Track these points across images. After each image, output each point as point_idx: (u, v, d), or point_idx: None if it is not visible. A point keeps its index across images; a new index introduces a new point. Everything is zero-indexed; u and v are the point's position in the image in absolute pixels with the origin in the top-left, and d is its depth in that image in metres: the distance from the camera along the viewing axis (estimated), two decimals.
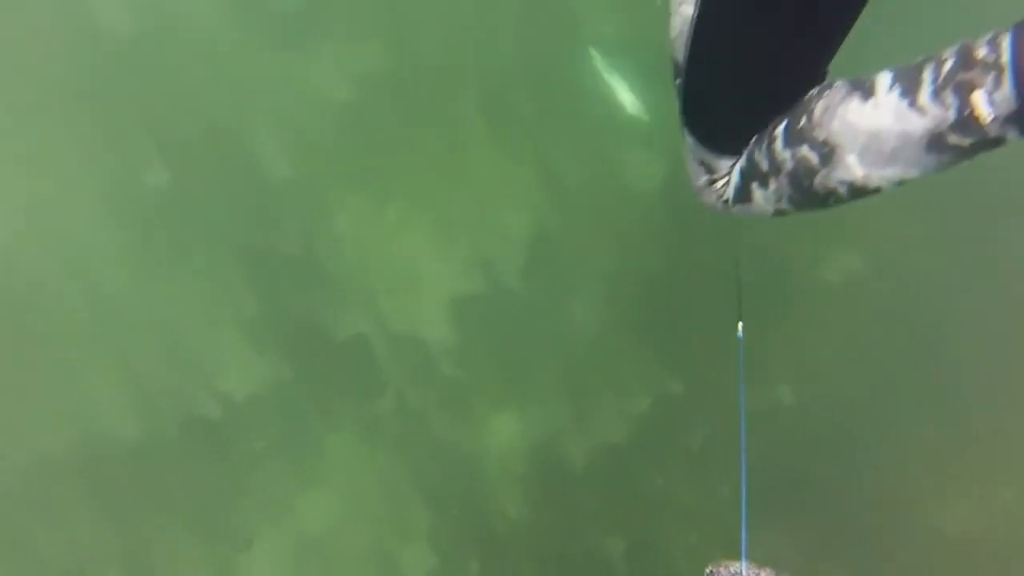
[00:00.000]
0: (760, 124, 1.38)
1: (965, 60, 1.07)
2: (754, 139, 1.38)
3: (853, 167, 1.20)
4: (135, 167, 4.31)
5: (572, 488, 4.15)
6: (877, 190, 1.21)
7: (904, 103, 1.13)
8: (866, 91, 1.20)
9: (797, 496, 3.97)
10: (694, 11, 1.40)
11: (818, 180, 1.25)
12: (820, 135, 1.22)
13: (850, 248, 4.04)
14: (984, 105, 1.04)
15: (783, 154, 1.29)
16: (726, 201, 1.50)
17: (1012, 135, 1.07)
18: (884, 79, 1.19)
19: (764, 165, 1.34)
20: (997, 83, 1.03)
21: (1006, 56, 1.02)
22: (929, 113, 1.10)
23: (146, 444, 4.14)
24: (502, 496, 4.17)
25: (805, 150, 1.25)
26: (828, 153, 1.22)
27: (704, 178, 1.55)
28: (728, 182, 1.49)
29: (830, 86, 1.29)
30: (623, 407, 4.10)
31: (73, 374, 4.18)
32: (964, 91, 1.06)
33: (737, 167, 1.45)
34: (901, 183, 1.20)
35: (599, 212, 4.32)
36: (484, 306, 4.21)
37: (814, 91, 1.30)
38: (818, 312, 4.06)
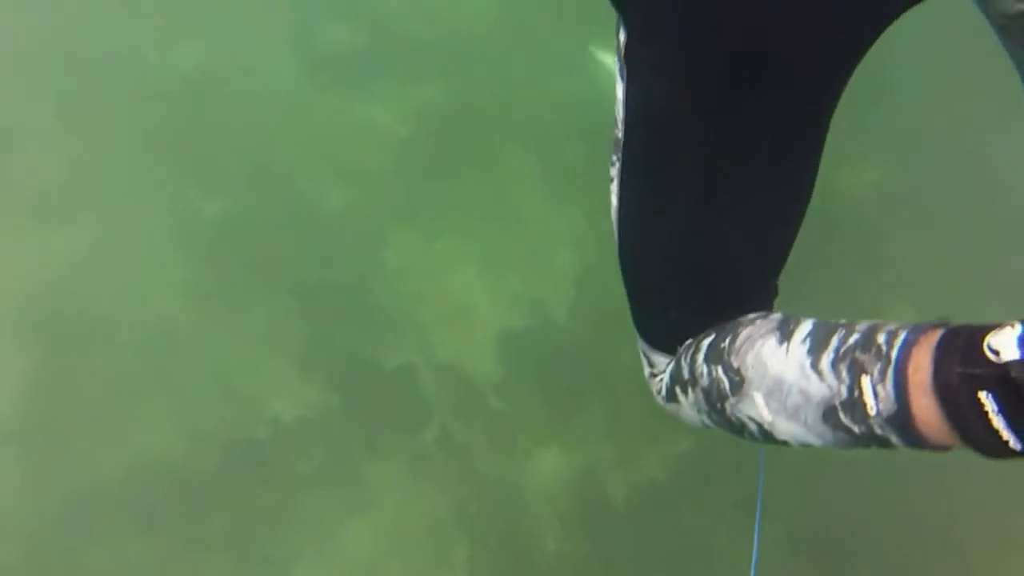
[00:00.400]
0: (687, 330, 1.30)
1: (867, 339, 0.95)
2: (686, 343, 1.29)
3: (760, 407, 1.07)
4: (193, 199, 4.44)
5: (613, 525, 4.16)
6: (786, 444, 1.09)
7: (808, 361, 1.01)
8: (785, 333, 1.09)
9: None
10: (614, 198, 1.33)
11: (728, 407, 1.14)
12: (735, 362, 1.12)
13: None
14: (869, 395, 0.92)
15: (702, 368, 1.19)
16: (663, 398, 1.41)
17: (895, 440, 0.92)
18: (804, 328, 1.09)
19: (685, 373, 1.25)
20: (882, 376, 0.90)
21: (895, 352, 0.90)
22: (825, 380, 0.98)
23: (191, 469, 4.18)
24: (542, 530, 4.18)
25: (720, 372, 1.14)
26: (739, 383, 1.11)
27: (647, 369, 1.50)
28: (663, 379, 1.40)
29: (766, 316, 1.19)
30: (667, 446, 4.14)
31: (124, 399, 4.24)
32: (856, 371, 0.94)
33: (668, 367, 1.38)
34: (807, 446, 1.07)
35: None
36: (531, 342, 4.28)
37: (752, 315, 1.21)
38: None
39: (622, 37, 1.24)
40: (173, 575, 4.16)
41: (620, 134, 1.28)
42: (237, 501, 4.21)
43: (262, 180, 4.46)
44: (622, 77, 1.25)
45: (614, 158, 1.32)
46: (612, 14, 1.35)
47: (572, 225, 4.47)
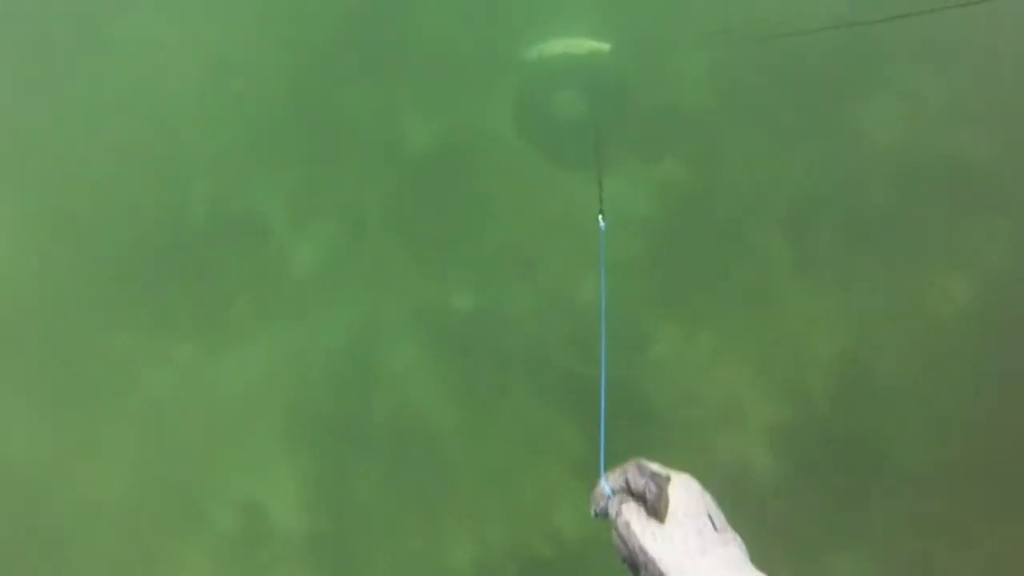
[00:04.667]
0: None
1: None
2: None
3: None
4: (443, 288, 4.18)
5: None
6: None
7: None
8: None
9: None
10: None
11: None
12: None
13: None
14: None
15: None
16: None
17: None
18: None
19: None
20: None
21: None
22: None
23: None
24: None
25: None
26: None
27: None
28: None
29: None
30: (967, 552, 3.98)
31: (404, 501, 4.01)
32: None
33: None
34: None
35: (906, 337, 4.28)
36: (801, 435, 4.13)
37: None
38: None
39: None
40: None
41: None
42: None
43: (509, 266, 4.22)
44: None
45: None
46: None
47: (828, 310, 4.33)
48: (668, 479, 1.24)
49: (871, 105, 4.69)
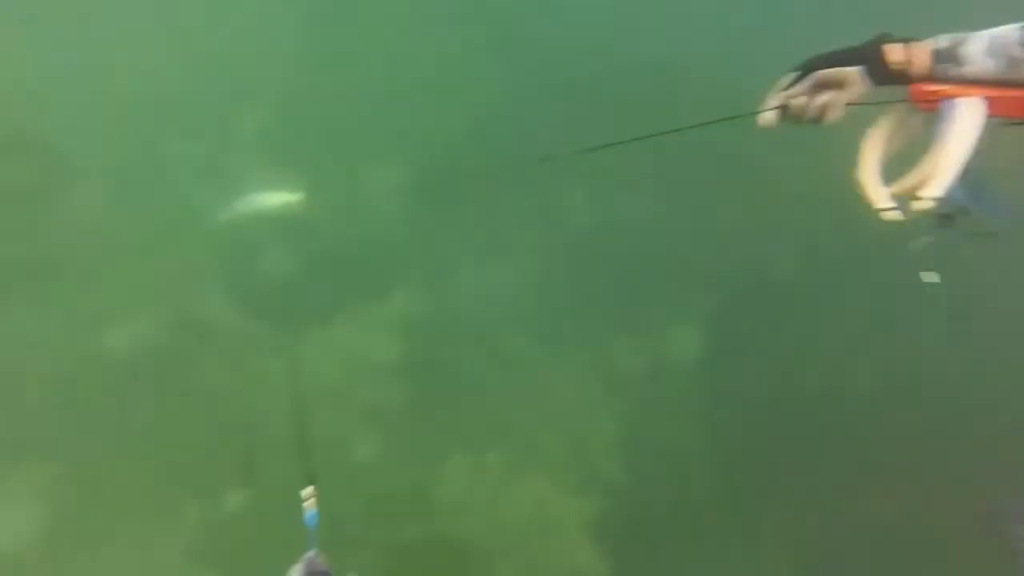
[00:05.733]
0: None
1: None
2: None
3: None
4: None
5: None
6: None
7: None
8: None
9: None
10: None
11: None
12: None
13: None
14: None
15: None
16: None
17: None
18: None
19: None
20: None
21: None
22: None
23: None
24: None
25: None
26: None
27: None
28: None
29: None
30: None
31: None
32: None
33: None
34: None
35: None
36: (614, 519, 4.13)
37: None
38: None
39: None
40: None
41: None
42: None
43: (278, 447, 3.73)
44: None
45: None
46: None
47: (594, 392, 4.48)
48: None
49: None
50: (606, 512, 4.05)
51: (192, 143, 4.75)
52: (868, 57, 1.38)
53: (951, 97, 1.34)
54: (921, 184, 1.33)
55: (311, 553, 2.00)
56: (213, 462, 3.73)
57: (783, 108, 1.43)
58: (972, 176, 1.33)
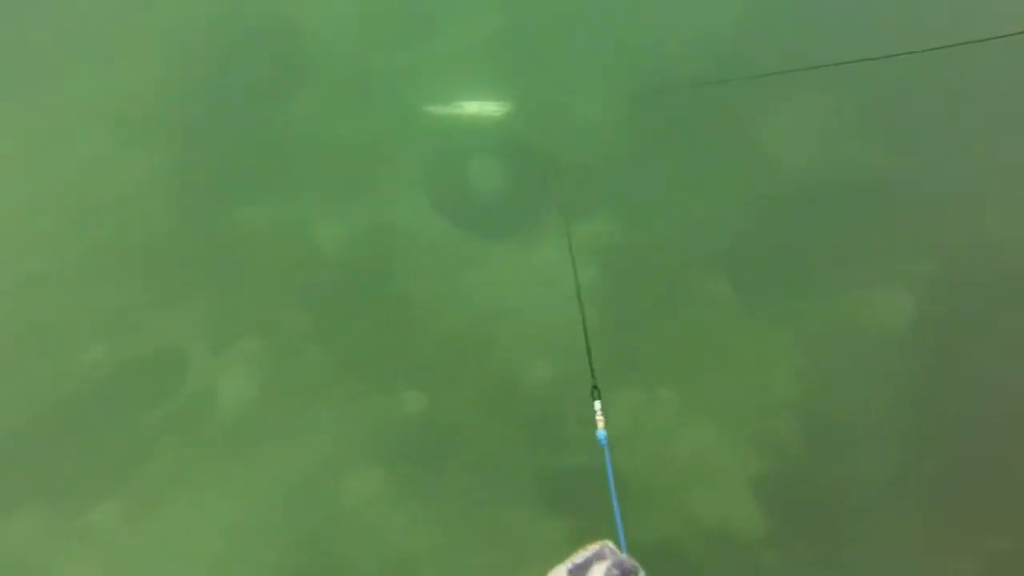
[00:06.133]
0: None
1: None
2: None
3: None
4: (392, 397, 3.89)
5: None
6: None
7: None
8: None
9: None
10: None
11: None
12: None
13: None
14: None
15: None
16: None
17: None
18: None
19: None
20: None
21: None
22: None
23: None
24: None
25: None
26: None
27: None
28: None
29: None
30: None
31: None
32: None
33: None
34: None
35: (858, 363, 4.26)
36: (780, 483, 4.01)
37: None
38: None
39: None
40: None
41: None
42: None
43: (455, 363, 3.97)
44: None
45: None
46: None
47: (779, 350, 4.27)
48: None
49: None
50: (773, 473, 3.93)
51: (417, 50, 4.87)
52: None
53: None
54: None
55: (608, 546, 1.99)
56: (397, 362, 4.00)
57: None
58: None
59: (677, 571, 3.83)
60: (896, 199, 4.62)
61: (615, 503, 2.46)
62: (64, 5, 4.99)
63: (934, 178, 4.66)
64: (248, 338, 4.01)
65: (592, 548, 1.93)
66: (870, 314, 4.28)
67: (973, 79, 4.84)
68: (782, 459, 4.05)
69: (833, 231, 4.52)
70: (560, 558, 3.66)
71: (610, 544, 1.97)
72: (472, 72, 4.85)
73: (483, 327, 4.14)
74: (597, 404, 2.63)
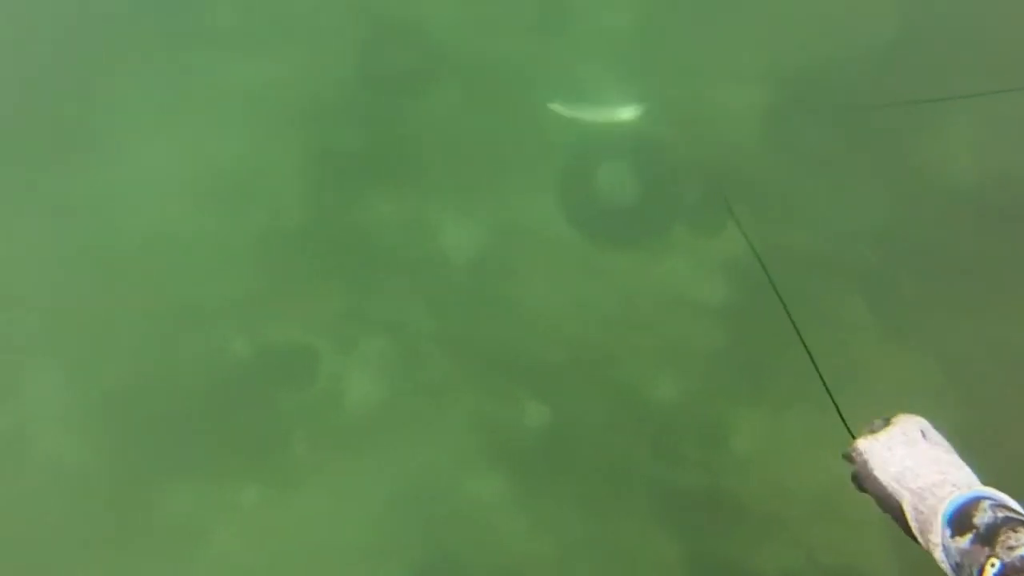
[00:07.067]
0: None
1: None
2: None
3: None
4: (516, 401, 3.97)
5: None
6: None
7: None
8: None
9: None
10: None
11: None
12: None
13: None
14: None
15: None
16: None
17: None
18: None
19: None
20: None
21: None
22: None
23: None
24: None
25: None
26: None
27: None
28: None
29: None
30: None
31: None
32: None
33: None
34: None
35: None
36: None
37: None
38: None
39: None
40: None
41: None
42: None
43: (578, 374, 3.98)
44: None
45: None
46: None
47: (922, 370, 3.99)
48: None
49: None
50: None
51: (548, 43, 4.77)
52: None
53: None
54: None
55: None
56: (520, 370, 4.05)
57: None
58: None
59: None
60: None
61: None
62: None
63: None
64: (375, 337, 4.16)
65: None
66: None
67: None
68: None
69: (986, 255, 4.13)
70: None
71: None
72: (607, 71, 4.69)
73: (608, 338, 4.10)
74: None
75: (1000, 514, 1.19)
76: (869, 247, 4.24)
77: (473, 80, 4.75)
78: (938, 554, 1.24)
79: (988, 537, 1.17)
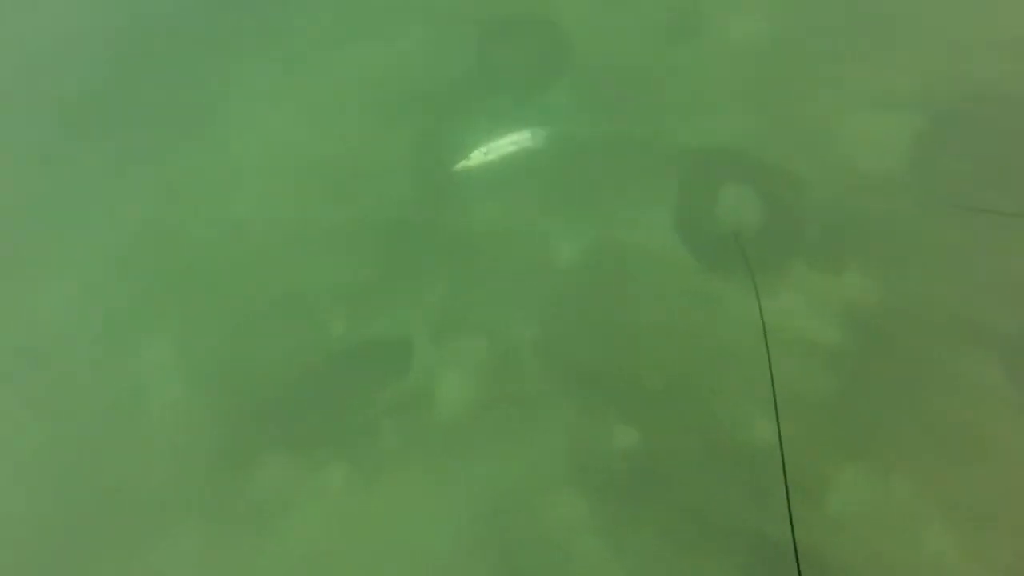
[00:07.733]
0: None
1: None
2: None
3: None
4: (606, 426, 3.85)
5: None
6: None
7: None
8: None
9: None
10: None
11: None
12: None
13: None
14: None
15: None
16: None
17: None
18: None
19: None
20: None
21: None
22: None
23: None
24: None
25: None
26: None
27: None
28: None
29: None
30: None
31: None
32: None
33: None
34: None
35: None
36: None
37: None
38: None
39: None
40: None
41: None
42: None
43: (674, 402, 3.81)
44: None
45: None
46: None
47: None
48: None
49: None
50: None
51: (678, 52, 4.53)
52: None
53: None
54: None
55: None
56: (614, 390, 3.90)
57: None
58: None
59: None
60: None
61: None
62: None
63: None
64: (472, 337, 4.12)
65: None
66: None
67: None
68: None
69: None
70: None
71: None
72: (735, 85, 4.41)
73: (711, 370, 3.90)
74: None
75: None
76: (1012, 307, 3.82)
77: (597, 81, 4.59)
78: None
79: None
